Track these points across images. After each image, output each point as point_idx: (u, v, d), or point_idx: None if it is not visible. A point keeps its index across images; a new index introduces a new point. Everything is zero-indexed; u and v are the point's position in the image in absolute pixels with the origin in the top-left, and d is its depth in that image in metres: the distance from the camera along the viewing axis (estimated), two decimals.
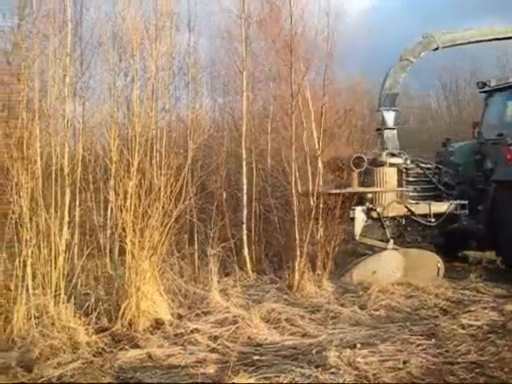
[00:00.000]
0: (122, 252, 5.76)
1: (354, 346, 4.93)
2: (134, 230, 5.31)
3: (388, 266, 7.49)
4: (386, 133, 8.48)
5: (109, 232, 6.35)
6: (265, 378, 4.28)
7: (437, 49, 8.80)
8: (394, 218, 7.96)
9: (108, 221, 6.38)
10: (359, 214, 7.58)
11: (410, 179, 8.41)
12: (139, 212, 5.27)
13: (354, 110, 12.32)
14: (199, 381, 4.21)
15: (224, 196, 7.93)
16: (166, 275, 5.80)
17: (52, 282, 5.30)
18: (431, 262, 7.77)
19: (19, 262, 5.10)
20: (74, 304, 5.36)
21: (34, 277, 5.21)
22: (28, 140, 5.34)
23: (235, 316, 5.59)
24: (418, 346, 5.01)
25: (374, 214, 7.70)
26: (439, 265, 7.75)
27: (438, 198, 8.43)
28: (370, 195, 7.83)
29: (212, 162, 7.91)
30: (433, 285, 7.25)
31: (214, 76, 10.05)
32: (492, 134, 8.92)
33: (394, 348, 4.91)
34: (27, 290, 5.11)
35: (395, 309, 6.38)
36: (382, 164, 7.93)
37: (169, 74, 7.28)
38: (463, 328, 5.52)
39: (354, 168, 7.57)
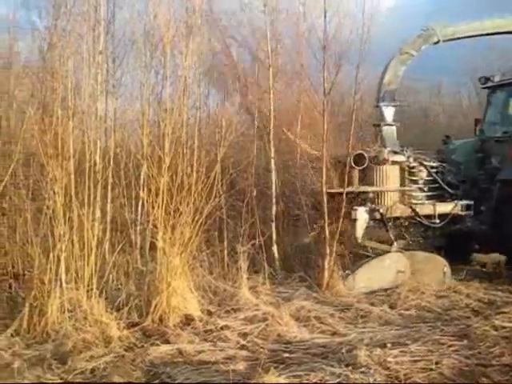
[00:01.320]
0: (153, 248, 5.82)
1: (385, 346, 4.90)
2: (165, 227, 5.36)
3: (392, 269, 7.14)
4: (385, 129, 8.12)
5: (140, 228, 6.41)
6: (295, 376, 4.28)
7: (438, 42, 8.41)
8: (396, 219, 7.64)
9: (139, 217, 6.43)
10: (361, 214, 7.23)
11: (413, 178, 8.00)
12: (171, 208, 5.31)
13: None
14: (230, 377, 4.23)
15: (254, 193, 7.93)
16: (195, 271, 5.83)
17: (84, 277, 5.38)
18: (437, 266, 7.41)
19: (53, 256, 5.19)
20: (106, 299, 5.44)
21: (67, 271, 5.29)
22: (62, 137, 5.42)
23: (265, 313, 5.60)
24: (450, 346, 4.94)
25: (377, 215, 7.39)
26: (445, 269, 7.40)
27: (442, 198, 8.09)
28: (371, 195, 7.51)
29: (242, 160, 7.91)
30: (464, 285, 7.15)
31: (244, 73, 10.04)
32: (495, 131, 8.64)
33: (425, 348, 4.86)
34: (61, 284, 5.19)
35: (426, 308, 6.31)
36: (384, 162, 7.60)
37: (200, 72, 7.32)
38: (496, 329, 5.42)
39: (354, 166, 7.28)
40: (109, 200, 6.32)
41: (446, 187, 8.10)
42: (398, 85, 8.31)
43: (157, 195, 5.34)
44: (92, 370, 4.44)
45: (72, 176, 5.43)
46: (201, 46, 7.11)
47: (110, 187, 6.29)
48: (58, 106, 5.63)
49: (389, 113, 8.15)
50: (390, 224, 7.45)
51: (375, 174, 7.55)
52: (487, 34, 8.97)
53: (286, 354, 4.80)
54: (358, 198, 7.45)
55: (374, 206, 7.38)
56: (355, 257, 7.56)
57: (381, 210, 7.36)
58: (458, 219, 7.98)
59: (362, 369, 4.37)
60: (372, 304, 6.36)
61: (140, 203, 6.64)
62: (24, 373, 4.29)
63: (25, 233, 5.50)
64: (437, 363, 4.52)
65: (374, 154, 7.63)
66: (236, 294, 5.97)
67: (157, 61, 7.39)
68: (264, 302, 5.89)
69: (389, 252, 7.27)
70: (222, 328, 5.27)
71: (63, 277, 5.22)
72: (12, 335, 4.91)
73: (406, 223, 7.80)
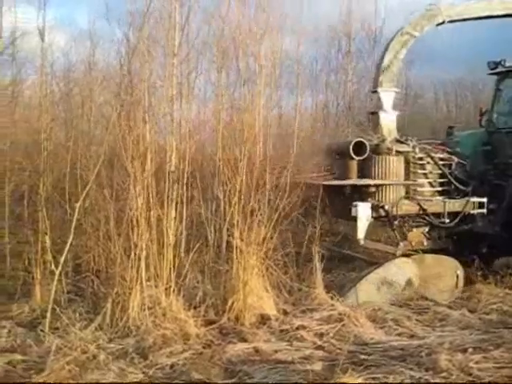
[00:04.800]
0: (228, 247, 5.90)
1: (466, 351, 4.77)
2: (241, 226, 5.43)
3: (400, 278, 6.33)
4: (383, 117, 7.19)
5: (216, 227, 6.52)
6: (373, 378, 4.25)
7: (442, 23, 7.59)
8: (402, 217, 6.83)
9: (214, 216, 6.54)
10: (363, 211, 6.38)
11: (420, 171, 7.13)
12: (247, 208, 5.38)
13: None
14: (309, 377, 4.23)
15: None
16: (270, 271, 5.86)
17: (163, 275, 5.53)
18: (449, 270, 6.64)
19: (134, 255, 5.36)
20: (183, 297, 5.56)
21: (146, 269, 5.45)
22: (142, 139, 5.60)
23: (340, 314, 5.56)
24: None
25: (382, 212, 6.60)
26: (459, 272, 6.65)
27: (451, 195, 7.26)
28: (372, 189, 6.68)
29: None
30: None
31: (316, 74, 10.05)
32: (505, 122, 7.92)
33: (509, 355, 4.69)
34: (141, 282, 5.35)
35: (508, 313, 6.06)
36: (388, 152, 6.80)
37: (273, 73, 7.36)
38: None
39: (354, 156, 6.60)
40: (184, 200, 6.45)
41: (457, 183, 7.27)
42: (399, 69, 7.54)
43: (233, 195, 5.43)
44: (171, 366, 4.56)
45: (152, 177, 5.58)
46: (273, 47, 7.17)
47: (185, 187, 6.42)
48: (136, 109, 5.83)
49: (388, 99, 7.25)
50: (396, 222, 6.72)
51: (376, 165, 6.76)
52: (497, 16, 8.02)
53: (363, 356, 4.75)
54: (356, 193, 6.71)
55: (377, 201, 6.62)
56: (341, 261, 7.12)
57: (386, 207, 6.58)
58: (469, 218, 7.18)
59: (443, 374, 4.29)
60: (450, 307, 6.19)
61: (215, 203, 6.78)
62: (109, 365, 4.47)
63: (107, 231, 5.71)
64: None
65: (376, 143, 6.87)
66: (311, 294, 5.95)
67: (230, 62, 7.54)
68: (340, 303, 5.84)
69: (394, 257, 6.51)
70: (297, 328, 5.28)
71: (143, 275, 5.37)
72: (96, 329, 5.10)
73: (411, 222, 6.96)
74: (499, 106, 8.33)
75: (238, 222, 5.45)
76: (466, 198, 7.16)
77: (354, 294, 6.08)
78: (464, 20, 7.88)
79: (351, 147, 6.52)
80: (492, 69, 8.32)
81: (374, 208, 6.52)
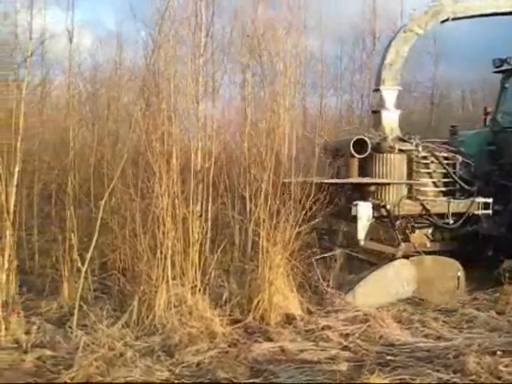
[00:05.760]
0: (254, 246, 5.91)
1: (494, 354, 4.69)
2: (267, 226, 5.44)
3: (398, 280, 6.17)
4: (385, 115, 7.08)
5: (242, 227, 6.52)
6: (400, 379, 4.21)
7: (447, 20, 7.44)
8: (404, 218, 6.65)
9: (241, 216, 6.55)
10: (364, 211, 6.22)
11: (423, 170, 6.97)
12: (273, 208, 5.38)
13: None
14: (336, 378, 4.21)
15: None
16: (295, 271, 5.85)
17: (189, 274, 5.56)
18: (450, 272, 6.42)
19: (160, 253, 5.40)
20: (209, 295, 5.58)
21: (172, 268, 5.48)
22: (167, 137, 5.63)
23: (366, 314, 5.54)
24: None
25: (383, 212, 6.45)
26: (459, 273, 6.42)
27: (455, 195, 7.09)
28: (373, 188, 6.54)
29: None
30: None
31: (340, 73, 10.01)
32: (511, 121, 7.67)
33: None
34: (167, 280, 5.39)
35: None
36: (390, 150, 6.64)
37: (297, 72, 7.34)
38: None
39: (354, 154, 6.45)
40: (210, 199, 6.48)
41: (461, 182, 7.08)
42: (402, 66, 7.33)
43: (259, 194, 5.44)
44: (198, 364, 4.58)
45: (177, 176, 5.61)
46: (298, 47, 7.16)
47: (211, 187, 6.45)
48: (162, 108, 5.86)
49: (390, 97, 7.14)
50: (397, 223, 6.52)
51: (378, 163, 6.61)
52: (503, 14, 7.80)
53: (390, 357, 4.72)
54: (356, 192, 6.58)
55: (378, 201, 6.46)
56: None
57: (387, 207, 6.42)
58: (473, 219, 7.00)
59: (472, 376, 4.23)
60: (478, 309, 6.12)
61: (239, 202, 6.79)
62: (135, 362, 4.50)
63: (133, 230, 5.76)
64: None
65: (377, 141, 6.70)
66: (336, 295, 5.93)
67: (254, 61, 7.55)
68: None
69: (394, 259, 6.30)
70: (323, 328, 5.27)
71: (169, 273, 5.41)
72: (123, 326, 5.15)
73: (413, 223, 6.80)
74: (504, 104, 8.13)
75: (263, 221, 5.46)
76: (471, 199, 6.99)
77: (351, 296, 5.94)
78: (469, 17, 7.73)
79: (352, 145, 6.40)
80: (497, 67, 8.11)
81: (375, 208, 6.37)
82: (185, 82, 6.45)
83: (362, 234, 6.24)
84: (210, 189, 6.32)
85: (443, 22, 7.53)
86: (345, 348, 4.93)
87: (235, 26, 7.74)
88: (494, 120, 8.10)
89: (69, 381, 4.14)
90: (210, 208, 6.40)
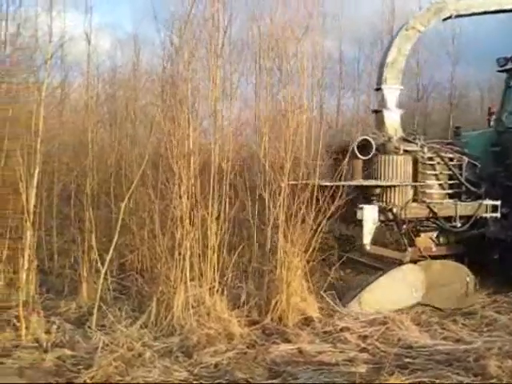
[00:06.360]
0: (272, 247, 5.90)
1: None
2: (286, 227, 5.43)
3: (406, 285, 5.98)
4: (387, 115, 6.89)
5: (260, 228, 6.52)
6: (420, 382, 4.18)
7: (449, 17, 7.26)
8: (410, 221, 6.46)
9: (259, 216, 6.54)
10: (369, 214, 6.04)
11: (429, 172, 6.73)
12: (292, 209, 5.37)
13: None
14: (355, 380, 4.19)
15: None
16: (313, 272, 5.84)
17: (207, 275, 5.57)
18: (458, 277, 6.25)
19: (178, 254, 5.42)
20: (227, 296, 5.59)
21: (190, 269, 5.50)
22: (186, 140, 5.65)
23: (385, 316, 5.52)
24: None
25: (389, 215, 6.24)
26: (468, 279, 6.23)
27: (461, 197, 6.89)
28: (378, 191, 6.34)
29: None
30: None
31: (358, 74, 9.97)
32: None
33: None
34: (185, 281, 5.40)
35: None
36: (396, 151, 6.44)
37: (315, 73, 7.32)
38: None
39: (359, 154, 6.26)
40: (228, 200, 6.49)
41: (468, 184, 6.87)
42: (404, 65, 7.11)
43: (278, 195, 5.43)
44: (216, 365, 4.59)
45: (196, 177, 5.63)
46: (316, 48, 7.13)
47: (229, 188, 6.46)
48: (180, 110, 5.89)
49: (392, 97, 6.95)
50: (404, 227, 6.33)
51: (383, 165, 6.42)
52: (506, 11, 7.59)
53: (409, 359, 4.70)
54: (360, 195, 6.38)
55: (384, 204, 6.27)
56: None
57: (394, 210, 6.22)
58: (481, 222, 6.80)
59: (493, 380, 4.19)
60: (498, 312, 6.07)
61: (257, 203, 6.78)
62: (154, 362, 4.54)
63: (152, 231, 5.79)
64: None
65: (382, 142, 6.50)
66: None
67: (271, 63, 7.54)
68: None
69: (401, 264, 6.13)
70: (341, 330, 5.26)
71: (187, 274, 5.42)
72: (141, 327, 5.18)
73: (418, 226, 6.61)
74: (509, 104, 7.97)
75: (282, 222, 5.45)
76: (479, 201, 6.80)
77: (356, 302, 5.79)
78: (472, 15, 7.57)
79: (356, 146, 6.27)
80: (501, 65, 7.92)
81: (381, 211, 6.20)
82: (203, 83, 6.48)
83: (367, 238, 6.07)
84: (229, 189, 6.33)
85: (445, 19, 7.40)
86: (363, 350, 4.91)
87: (252, 27, 7.73)
88: (498, 120, 7.94)
89: (89, 380, 4.18)
90: (228, 208, 6.42)
